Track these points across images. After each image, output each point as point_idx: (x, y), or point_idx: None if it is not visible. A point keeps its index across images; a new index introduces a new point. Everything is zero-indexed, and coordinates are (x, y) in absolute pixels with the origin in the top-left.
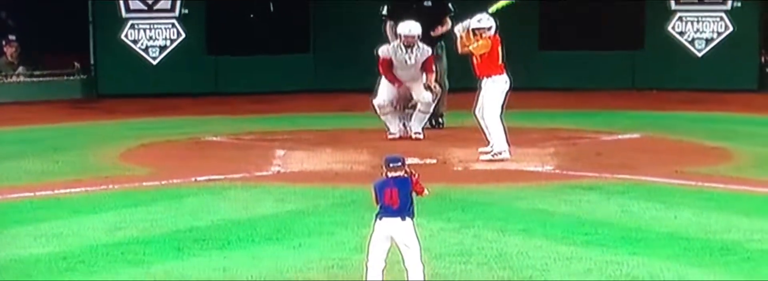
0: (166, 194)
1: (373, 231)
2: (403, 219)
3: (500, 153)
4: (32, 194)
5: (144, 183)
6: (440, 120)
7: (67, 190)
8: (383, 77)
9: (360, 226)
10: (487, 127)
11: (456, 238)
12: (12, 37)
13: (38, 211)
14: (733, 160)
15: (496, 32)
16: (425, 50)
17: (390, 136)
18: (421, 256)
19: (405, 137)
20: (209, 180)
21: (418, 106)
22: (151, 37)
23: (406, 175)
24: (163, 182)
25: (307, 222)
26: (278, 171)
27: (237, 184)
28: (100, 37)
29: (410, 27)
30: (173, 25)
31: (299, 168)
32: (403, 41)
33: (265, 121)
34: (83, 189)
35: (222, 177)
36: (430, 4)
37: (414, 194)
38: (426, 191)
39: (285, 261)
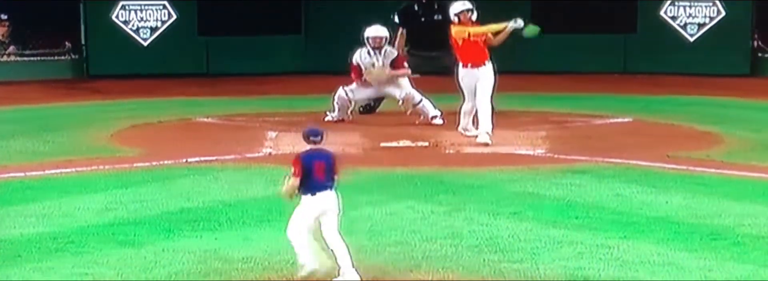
0: (157, 175)
1: (303, 208)
2: (332, 189)
3: (467, 130)
4: (22, 174)
5: (135, 164)
6: (373, 104)
7: (58, 171)
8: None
9: (350, 208)
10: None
11: (447, 221)
12: (3, 17)
13: (28, 191)
14: (724, 145)
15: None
16: (391, 52)
17: (326, 119)
18: None
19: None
20: (200, 161)
21: (414, 102)
22: (142, 18)
23: (327, 151)
24: (154, 163)
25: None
26: (270, 153)
27: (228, 166)
28: (91, 18)
29: (377, 29)
30: (164, 6)
31: (291, 149)
32: (371, 43)
33: (257, 103)
34: (74, 169)
35: (213, 158)
36: (440, 17)
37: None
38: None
39: (276, 243)
